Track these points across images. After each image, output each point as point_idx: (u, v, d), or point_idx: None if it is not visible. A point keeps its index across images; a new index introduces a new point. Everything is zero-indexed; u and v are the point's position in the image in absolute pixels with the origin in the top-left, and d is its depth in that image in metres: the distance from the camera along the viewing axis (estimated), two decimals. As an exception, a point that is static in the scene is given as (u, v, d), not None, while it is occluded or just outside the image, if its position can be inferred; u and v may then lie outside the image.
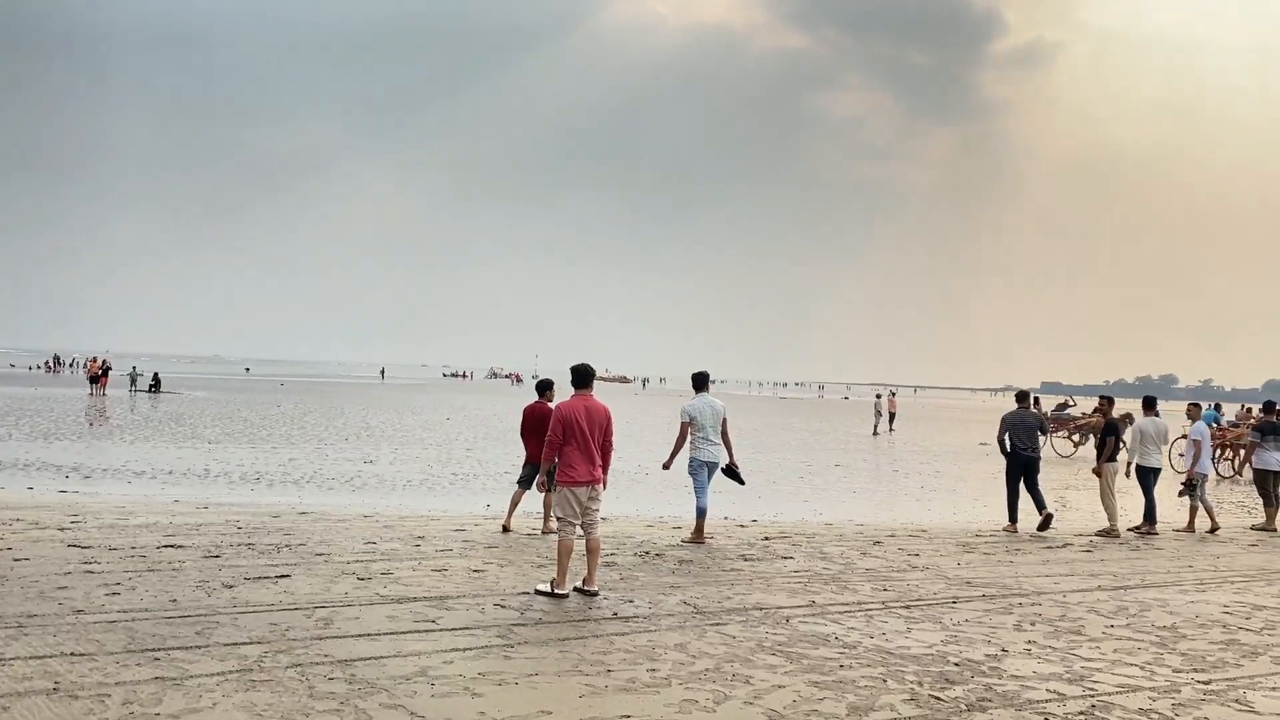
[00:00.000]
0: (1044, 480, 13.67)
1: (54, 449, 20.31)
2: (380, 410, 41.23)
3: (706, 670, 5.81)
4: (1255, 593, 9.18)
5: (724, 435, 10.94)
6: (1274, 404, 14.44)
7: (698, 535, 10.76)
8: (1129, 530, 13.02)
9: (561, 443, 7.78)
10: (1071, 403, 33.87)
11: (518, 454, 11.84)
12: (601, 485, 7.95)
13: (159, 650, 5.70)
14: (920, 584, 8.91)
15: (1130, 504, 14.24)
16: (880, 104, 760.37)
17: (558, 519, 7.91)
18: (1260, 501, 14.49)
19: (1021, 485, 13.09)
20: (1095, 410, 23.88)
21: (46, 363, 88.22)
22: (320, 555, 9.01)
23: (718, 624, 7.00)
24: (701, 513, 10.80)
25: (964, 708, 5.31)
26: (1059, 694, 5.63)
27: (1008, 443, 13.15)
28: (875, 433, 38.82)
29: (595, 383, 8.18)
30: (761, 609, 7.56)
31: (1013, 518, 12.97)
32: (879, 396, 43.16)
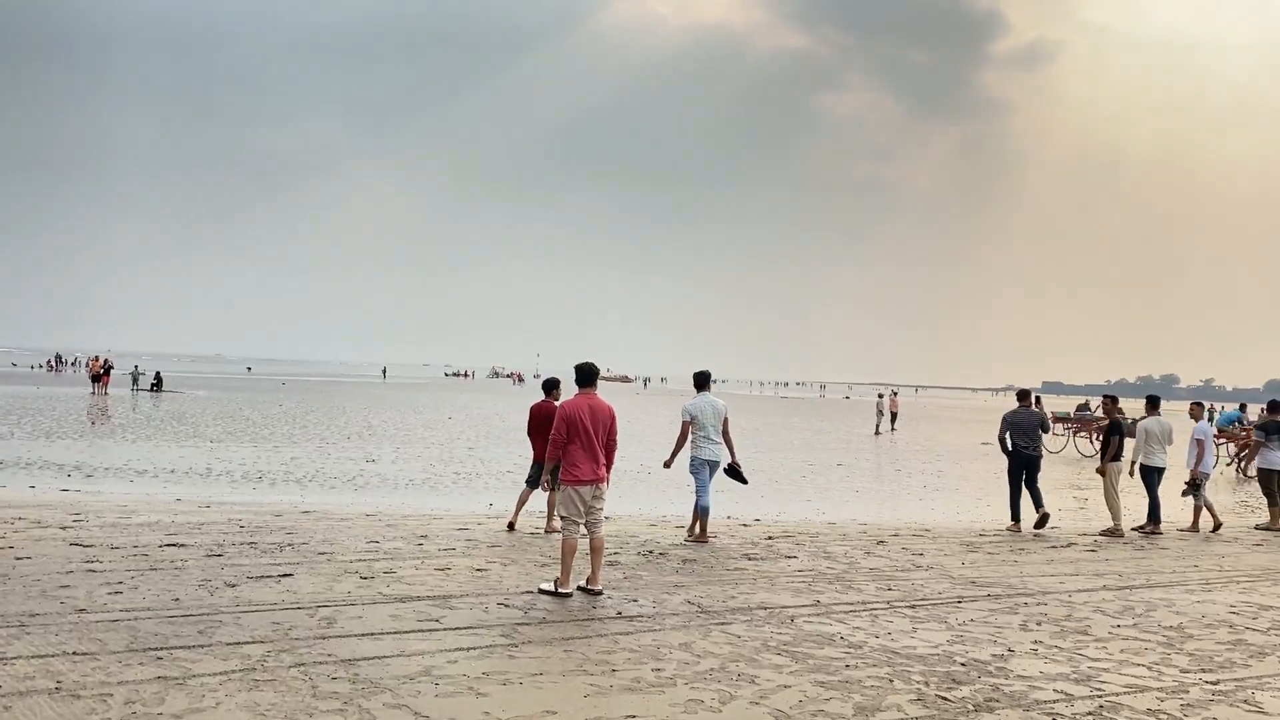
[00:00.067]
0: (1050, 480, 13.63)
1: (56, 448, 20.30)
2: (382, 409, 41.21)
3: (712, 670, 5.78)
4: (1261, 592, 9.14)
5: (725, 435, 10.91)
6: (1278, 403, 14.39)
7: (701, 534, 10.74)
8: (1133, 530, 12.98)
9: (566, 441, 7.76)
10: (1092, 404, 34.00)
11: (520, 453, 11.82)
12: (605, 484, 7.93)
13: (161, 649, 5.68)
14: (925, 583, 8.88)
15: (1133, 503, 14.20)
16: (881, 104, 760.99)
17: (561, 518, 7.89)
18: (1265, 501, 14.44)
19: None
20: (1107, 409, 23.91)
21: (49, 362, 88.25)
22: (323, 554, 8.99)
23: (722, 623, 6.97)
24: (705, 511, 10.77)
25: (971, 708, 5.28)
26: (1066, 694, 5.59)
27: (1009, 441, 13.12)
28: (877, 432, 38.79)
29: (598, 382, 8.16)
30: (766, 608, 7.53)
31: (1015, 517, 12.94)
32: (881, 396, 43.15)
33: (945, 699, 5.40)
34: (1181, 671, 6.21)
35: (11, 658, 5.41)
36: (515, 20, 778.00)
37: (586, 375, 8.02)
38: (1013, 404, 13.97)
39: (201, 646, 5.78)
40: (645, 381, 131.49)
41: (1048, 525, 12.92)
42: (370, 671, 5.45)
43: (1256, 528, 14.08)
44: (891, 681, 5.69)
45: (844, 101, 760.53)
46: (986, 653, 6.45)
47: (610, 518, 10.97)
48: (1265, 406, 15.05)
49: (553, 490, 8.86)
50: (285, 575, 7.95)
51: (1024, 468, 13.05)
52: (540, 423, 10.56)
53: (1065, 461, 27.27)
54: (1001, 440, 13.26)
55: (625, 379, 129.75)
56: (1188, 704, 5.52)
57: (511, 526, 11.02)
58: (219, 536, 9.75)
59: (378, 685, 5.22)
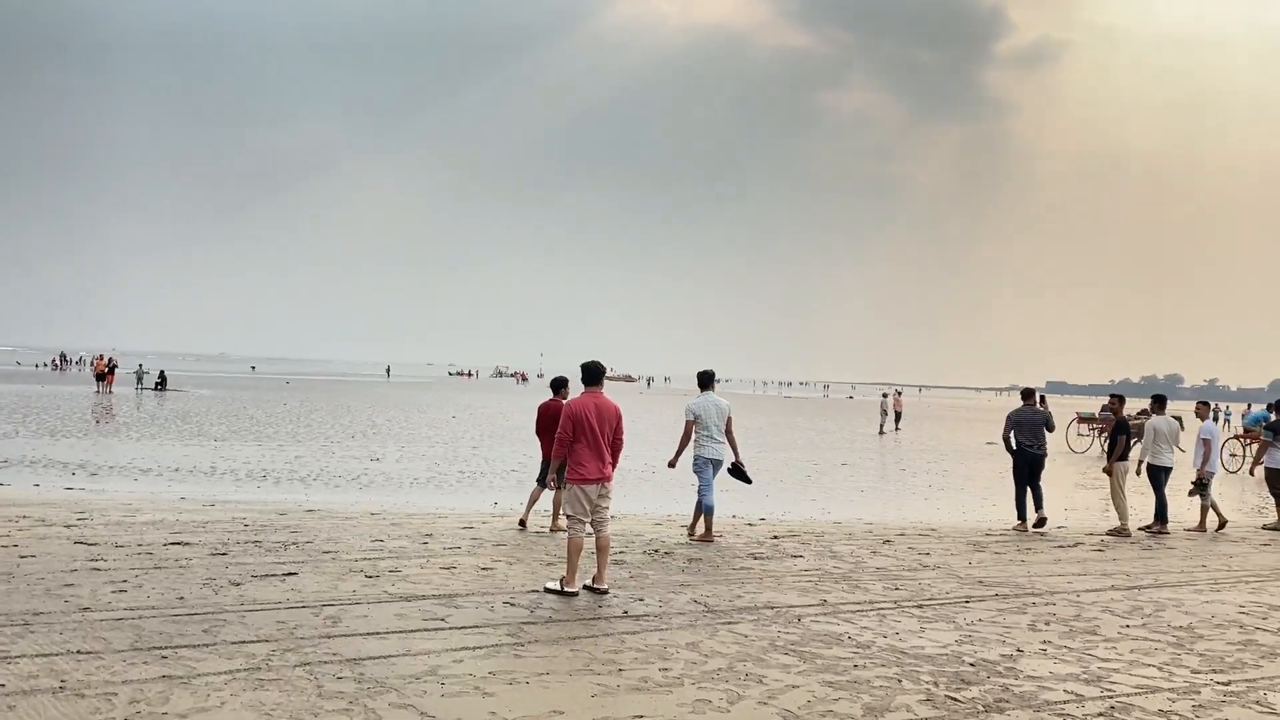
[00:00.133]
0: (1057, 479, 13.57)
1: (60, 446, 20.30)
2: (386, 408, 41.21)
3: (719, 670, 5.74)
4: (1270, 593, 9.08)
5: (728, 434, 10.88)
6: (1286, 403, 14.32)
7: (706, 533, 10.70)
8: (1140, 529, 12.93)
9: (572, 440, 7.73)
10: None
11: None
12: (610, 481, 7.90)
13: (166, 648, 5.65)
14: (932, 583, 8.84)
15: (1139, 503, 14.14)
16: (885, 103, 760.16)
17: (567, 516, 7.86)
18: (1273, 501, 14.37)
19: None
20: (1140, 412, 23.78)
21: (53, 360, 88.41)
22: (328, 553, 8.96)
23: (729, 623, 6.94)
24: (709, 510, 10.73)
25: (981, 709, 5.24)
26: (1077, 695, 5.55)
27: (1013, 440, 13.07)
28: (881, 432, 38.72)
29: (604, 381, 8.13)
30: (773, 608, 7.49)
31: (1022, 516, 12.89)
32: (885, 396, 43.10)
33: (955, 699, 5.36)
34: (1192, 672, 6.16)
35: (15, 656, 5.38)
36: (516, 20, 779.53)
37: (593, 374, 7.99)
38: (1016, 403, 13.92)
39: (206, 645, 5.75)
40: (649, 381, 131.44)
41: (1046, 527, 12.86)
42: (376, 671, 5.42)
43: (1264, 528, 14.02)
44: (900, 682, 5.65)
45: (847, 101, 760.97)
46: (995, 653, 6.40)
47: (615, 516, 10.93)
48: (1274, 406, 14.98)
49: (558, 489, 8.83)
50: (290, 574, 7.92)
51: (1028, 466, 12.99)
52: (548, 421, 10.53)
53: (1090, 461, 27.05)
54: (1006, 439, 13.20)
55: (628, 378, 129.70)
56: (1200, 705, 5.48)
57: (523, 524, 11.03)
58: (223, 535, 9.73)
59: (383, 685, 5.19)
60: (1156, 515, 13.04)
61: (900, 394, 47.05)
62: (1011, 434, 13.11)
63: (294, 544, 9.34)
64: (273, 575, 7.83)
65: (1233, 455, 26.42)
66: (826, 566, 9.42)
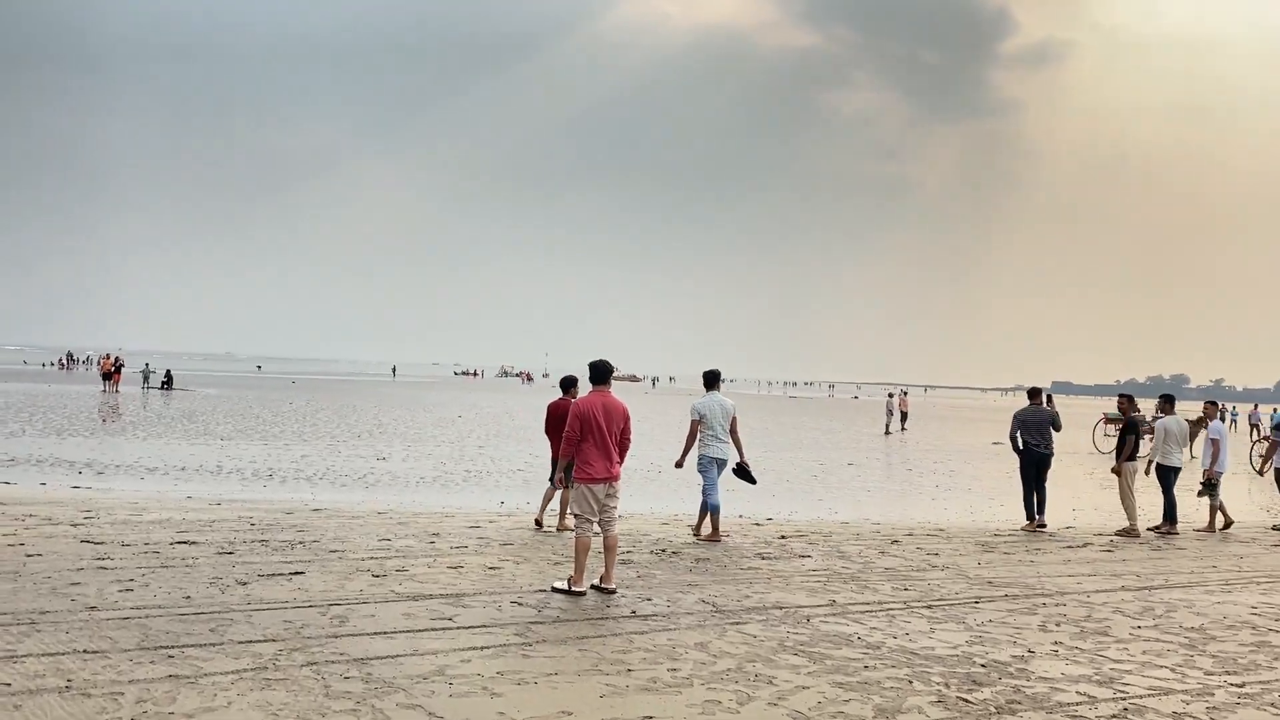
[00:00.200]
0: (1064, 479, 13.50)
1: (67, 445, 20.33)
2: (392, 408, 41.23)
3: (728, 670, 5.70)
4: (1282, 594, 9.02)
5: (734, 434, 10.84)
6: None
7: (713, 533, 10.66)
8: (1149, 530, 12.86)
9: (579, 439, 7.70)
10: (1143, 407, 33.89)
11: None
12: (617, 480, 7.86)
13: (173, 648, 5.63)
14: (941, 583, 8.79)
15: (1148, 503, 14.07)
16: (890, 103, 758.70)
17: (575, 516, 7.83)
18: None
19: None
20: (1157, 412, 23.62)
21: (60, 360, 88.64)
22: (334, 552, 8.94)
23: (738, 623, 6.90)
24: (715, 510, 10.69)
25: (993, 710, 5.19)
26: (1090, 696, 5.50)
27: (1020, 439, 13.02)
28: (887, 432, 38.67)
29: (611, 380, 8.11)
30: (782, 608, 7.45)
31: (1030, 515, 12.84)
32: (890, 396, 43.06)
33: (967, 701, 5.31)
34: (1206, 674, 6.11)
35: (22, 655, 5.36)
36: (519, 20, 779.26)
37: (600, 373, 7.96)
38: (1021, 403, 13.86)
39: (213, 645, 5.73)
40: (654, 381, 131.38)
41: (1048, 530, 12.79)
42: (383, 671, 5.39)
43: (1274, 528, 13.94)
44: (911, 683, 5.61)
45: (852, 100, 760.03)
46: (1006, 654, 6.36)
47: (622, 516, 10.89)
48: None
49: (566, 488, 8.81)
50: (297, 573, 7.90)
51: (1035, 465, 12.94)
52: (557, 421, 10.51)
53: (1109, 460, 26.89)
54: (1013, 438, 13.15)
55: (634, 378, 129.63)
56: (1214, 707, 5.42)
57: (539, 523, 11.03)
58: (230, 534, 9.71)
59: (391, 685, 5.16)
60: (1166, 516, 12.97)
61: (906, 394, 47.00)
62: (1018, 433, 13.06)
63: (300, 543, 9.32)
64: (279, 574, 7.81)
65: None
66: (835, 567, 9.38)
